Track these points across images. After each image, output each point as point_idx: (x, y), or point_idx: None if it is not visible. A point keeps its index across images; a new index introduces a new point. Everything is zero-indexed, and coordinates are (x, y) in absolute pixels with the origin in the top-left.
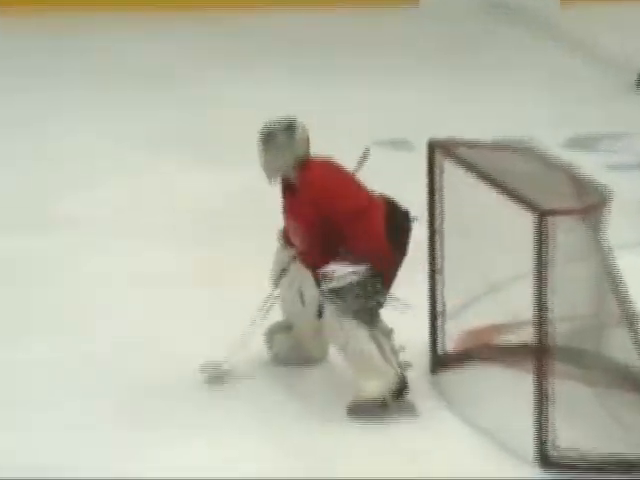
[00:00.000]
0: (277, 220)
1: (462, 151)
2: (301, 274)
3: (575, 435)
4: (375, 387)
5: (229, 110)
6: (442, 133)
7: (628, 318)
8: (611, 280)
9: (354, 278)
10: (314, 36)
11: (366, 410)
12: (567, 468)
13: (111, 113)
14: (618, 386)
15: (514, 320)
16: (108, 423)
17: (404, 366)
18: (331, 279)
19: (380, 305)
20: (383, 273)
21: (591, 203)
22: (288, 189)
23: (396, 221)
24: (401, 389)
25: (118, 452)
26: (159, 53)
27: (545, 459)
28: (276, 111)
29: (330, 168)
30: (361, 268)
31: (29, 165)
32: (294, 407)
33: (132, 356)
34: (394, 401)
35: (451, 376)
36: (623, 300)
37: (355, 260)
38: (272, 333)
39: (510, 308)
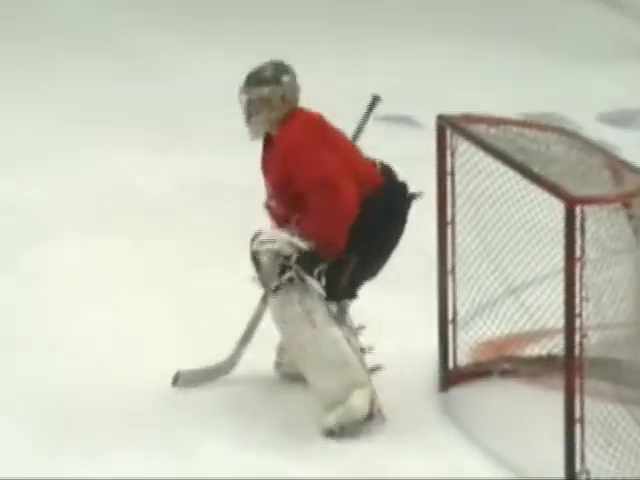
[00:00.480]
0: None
1: (478, 129)
2: None
3: (610, 463)
4: (362, 401)
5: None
6: (453, 107)
7: None
8: None
9: (275, 247)
10: None
11: (349, 429)
12: None
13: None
14: None
15: (539, 328)
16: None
17: (375, 369)
18: (255, 241)
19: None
20: (325, 260)
21: (631, 190)
22: (268, 141)
23: (388, 200)
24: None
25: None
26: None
27: None
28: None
29: (313, 124)
30: (297, 241)
31: None
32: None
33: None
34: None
35: (464, 395)
36: None
37: (300, 235)
38: (283, 347)
39: (534, 314)
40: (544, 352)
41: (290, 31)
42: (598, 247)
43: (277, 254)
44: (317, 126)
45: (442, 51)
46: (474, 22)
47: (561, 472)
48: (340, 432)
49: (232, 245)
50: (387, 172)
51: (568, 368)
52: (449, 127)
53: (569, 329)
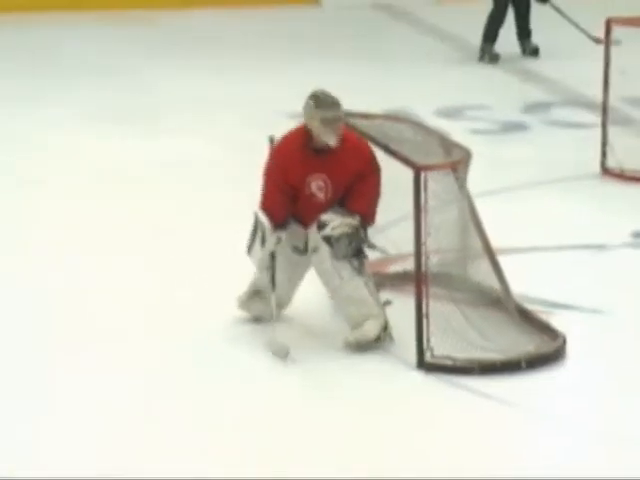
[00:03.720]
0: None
1: (355, 121)
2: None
3: (447, 344)
4: (373, 327)
5: (159, 95)
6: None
7: (486, 250)
8: (473, 220)
9: (345, 230)
10: (231, 32)
11: (366, 346)
12: (441, 370)
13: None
14: (479, 304)
15: (397, 254)
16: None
17: (386, 304)
18: (326, 228)
19: (362, 252)
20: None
21: (457, 159)
22: (320, 152)
23: None
24: (386, 325)
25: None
26: (101, 49)
27: (423, 363)
28: (196, 94)
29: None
30: (353, 220)
31: (13, 136)
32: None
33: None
34: (385, 335)
35: None
36: (482, 236)
37: (348, 213)
38: (250, 299)
39: (395, 244)
40: (401, 270)
41: (214, 55)
42: (435, 199)
43: (345, 234)
44: None
45: (327, 71)
46: (340, 50)
47: (414, 349)
48: (357, 346)
49: (201, 209)
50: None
51: (417, 280)
52: None
53: (417, 253)
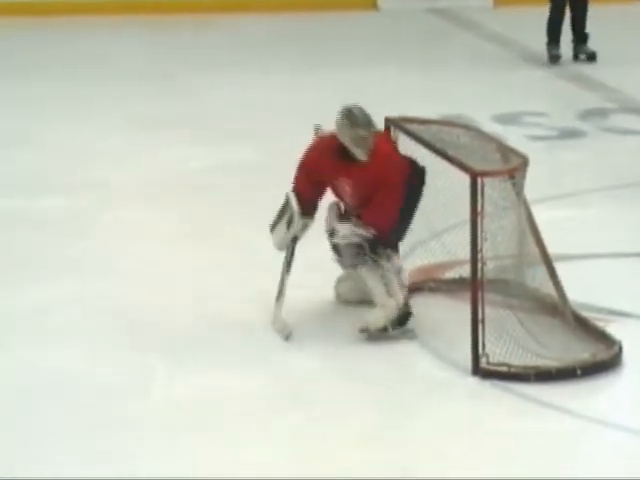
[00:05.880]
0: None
1: (412, 126)
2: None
3: (502, 349)
4: (376, 317)
5: (213, 102)
6: (395, 112)
7: (543, 256)
8: (530, 227)
9: (354, 240)
10: (287, 37)
11: (372, 334)
12: (496, 377)
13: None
14: (535, 311)
15: (454, 259)
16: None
17: (409, 299)
18: (336, 236)
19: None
20: (385, 241)
21: (514, 166)
22: (348, 160)
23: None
24: (402, 319)
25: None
26: (152, 54)
27: (479, 369)
28: (251, 101)
29: (388, 145)
30: (364, 233)
31: (70, 142)
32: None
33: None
34: (395, 328)
35: None
36: (539, 242)
37: (363, 225)
38: (340, 280)
39: (451, 250)
40: (457, 275)
41: (270, 59)
42: (492, 205)
43: (353, 245)
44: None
45: (385, 76)
46: (397, 55)
47: (469, 355)
48: (362, 332)
49: (249, 209)
50: (413, 161)
51: (473, 286)
52: (392, 125)
53: (474, 259)
